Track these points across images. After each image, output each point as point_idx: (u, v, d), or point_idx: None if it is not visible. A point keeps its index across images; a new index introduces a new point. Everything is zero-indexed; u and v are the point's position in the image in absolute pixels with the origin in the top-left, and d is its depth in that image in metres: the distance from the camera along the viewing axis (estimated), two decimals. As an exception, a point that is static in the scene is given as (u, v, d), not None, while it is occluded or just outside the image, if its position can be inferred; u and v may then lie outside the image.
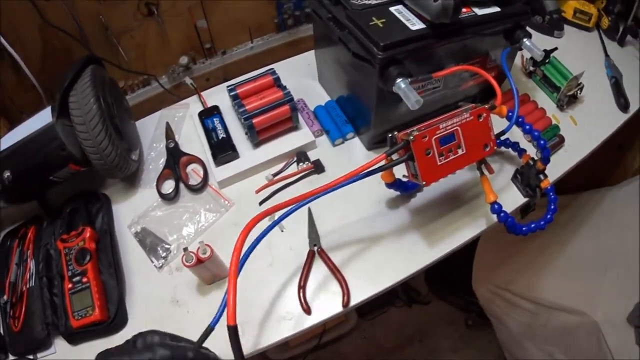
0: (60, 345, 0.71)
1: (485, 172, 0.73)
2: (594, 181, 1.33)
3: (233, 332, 0.43)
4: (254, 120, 0.82)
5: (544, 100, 0.96)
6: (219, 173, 0.84)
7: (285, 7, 1.23)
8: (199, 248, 0.66)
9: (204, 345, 0.52)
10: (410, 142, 0.61)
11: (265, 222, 0.56)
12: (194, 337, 0.63)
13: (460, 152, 0.66)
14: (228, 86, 0.88)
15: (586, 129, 0.92)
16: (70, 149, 0.74)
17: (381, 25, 0.71)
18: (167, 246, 0.79)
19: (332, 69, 0.91)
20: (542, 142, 0.79)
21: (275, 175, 0.85)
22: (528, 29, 0.80)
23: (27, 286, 0.75)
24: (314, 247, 0.75)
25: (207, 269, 0.69)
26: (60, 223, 0.80)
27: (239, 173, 0.84)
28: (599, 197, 1.24)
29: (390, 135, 0.64)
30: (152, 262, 0.78)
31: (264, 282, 0.73)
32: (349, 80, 0.85)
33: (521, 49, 0.81)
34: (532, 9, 0.84)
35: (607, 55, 1.04)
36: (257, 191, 0.84)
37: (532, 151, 0.84)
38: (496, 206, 0.72)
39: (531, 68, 0.99)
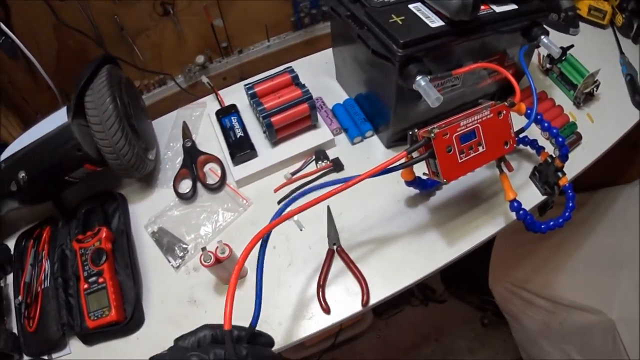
0: (75, 345, 0.71)
1: (505, 169, 0.73)
2: (609, 179, 1.32)
3: (229, 336, 0.43)
4: (273, 119, 0.82)
5: (560, 97, 0.96)
6: (237, 172, 0.84)
7: (302, 6, 1.23)
8: (217, 248, 0.65)
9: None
10: (431, 139, 0.60)
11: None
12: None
13: (480, 149, 0.65)
14: (246, 84, 0.87)
15: (603, 126, 0.92)
16: (86, 149, 0.74)
17: (400, 23, 0.71)
18: (184, 246, 0.78)
19: (350, 67, 0.90)
20: (560, 139, 0.78)
21: (293, 174, 0.85)
22: (545, 26, 0.79)
23: (42, 287, 0.75)
24: (333, 246, 0.75)
25: (225, 269, 0.68)
26: (75, 223, 0.80)
27: (257, 172, 0.84)
28: (614, 195, 1.23)
29: (410, 132, 0.64)
30: (169, 262, 0.77)
31: (282, 282, 0.73)
32: (368, 78, 0.85)
33: (538, 46, 0.80)
34: (548, 7, 0.84)
35: (621, 52, 1.03)
36: (276, 190, 0.83)
37: (549, 149, 0.83)
38: (515, 204, 0.71)
39: (548, 65, 0.98)
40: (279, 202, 0.81)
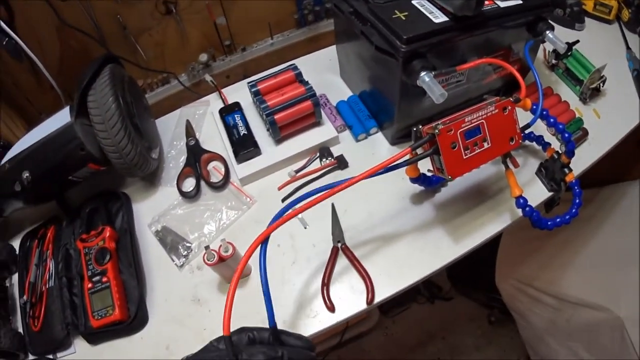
0: (79, 345, 0.71)
1: (511, 165, 0.72)
2: (616, 175, 1.31)
3: (229, 342, 0.42)
4: (276, 116, 0.81)
5: (566, 93, 0.95)
6: (240, 170, 0.84)
7: (305, 3, 1.22)
8: (220, 246, 0.65)
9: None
10: (435, 135, 0.60)
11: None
12: (216, 336, 0.64)
13: (485, 145, 0.64)
14: (249, 82, 0.87)
15: (609, 122, 0.91)
16: (89, 148, 0.74)
17: (404, 19, 0.70)
18: (188, 245, 0.78)
19: (354, 64, 0.90)
20: (566, 135, 0.77)
21: (297, 171, 0.84)
22: (550, 21, 0.79)
23: (47, 286, 0.76)
24: (337, 244, 0.75)
25: (229, 267, 0.68)
26: (79, 223, 0.80)
27: (261, 170, 0.84)
28: (621, 192, 1.23)
29: (414, 129, 0.63)
30: (173, 260, 0.77)
31: (287, 280, 0.73)
32: (372, 74, 0.84)
33: (544, 42, 0.80)
34: (553, 2, 0.83)
35: (628, 47, 1.02)
36: (280, 188, 0.83)
37: (556, 145, 0.82)
38: (521, 200, 0.70)
39: (554, 61, 0.97)
40: (283, 200, 0.81)
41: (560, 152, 0.78)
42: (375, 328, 1.76)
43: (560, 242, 1.23)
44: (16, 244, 0.82)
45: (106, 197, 0.83)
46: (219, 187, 0.84)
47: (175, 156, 0.90)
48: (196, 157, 0.87)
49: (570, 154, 0.77)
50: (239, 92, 0.95)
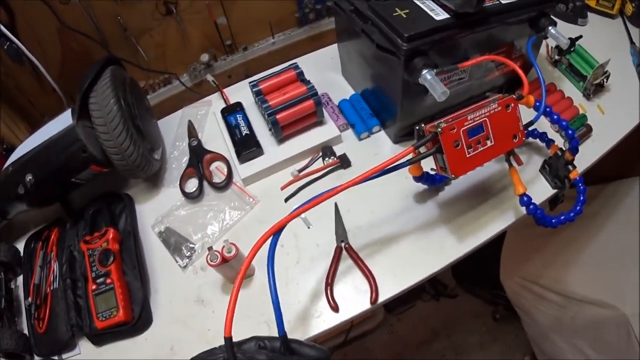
0: (84, 346, 0.71)
1: (514, 163, 0.72)
2: (621, 171, 1.30)
3: (229, 344, 0.42)
4: (278, 116, 0.81)
5: (570, 89, 0.94)
6: (243, 170, 0.83)
7: (306, 1, 1.22)
8: (223, 247, 0.65)
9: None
10: (438, 134, 0.60)
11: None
12: (220, 337, 0.63)
13: (489, 143, 0.64)
14: (250, 82, 0.87)
15: (614, 117, 0.90)
16: (91, 150, 0.74)
17: (405, 16, 0.70)
18: (191, 245, 0.78)
19: (355, 62, 0.90)
20: (570, 131, 0.77)
21: (300, 171, 0.84)
22: (552, 17, 0.78)
23: (51, 288, 0.76)
24: (341, 244, 0.74)
25: (232, 268, 0.68)
26: (83, 225, 0.80)
27: (264, 170, 0.84)
28: (626, 188, 1.22)
29: (417, 127, 0.63)
30: (177, 261, 0.77)
31: (290, 280, 0.73)
32: (374, 73, 0.84)
33: (546, 38, 0.79)
34: (556, -3, 0.83)
35: (632, 42, 1.01)
36: (283, 188, 0.83)
37: (559, 141, 0.82)
38: (525, 198, 0.70)
39: (556, 57, 0.97)
40: (286, 200, 0.81)
41: (564, 149, 0.77)
42: (380, 326, 1.76)
43: (564, 239, 1.22)
44: (20, 246, 0.82)
45: (109, 199, 0.83)
46: (221, 187, 0.84)
47: (177, 157, 0.90)
48: (199, 157, 0.87)
49: (574, 150, 0.76)
50: (240, 92, 0.95)
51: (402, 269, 0.72)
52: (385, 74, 0.79)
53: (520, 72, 0.72)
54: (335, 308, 0.69)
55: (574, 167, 0.76)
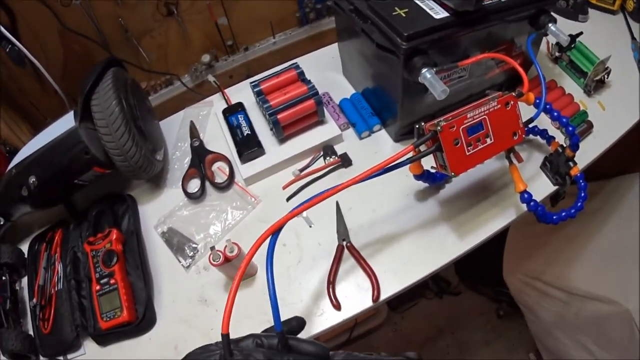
0: (89, 346, 0.72)
1: (514, 160, 0.72)
2: (622, 167, 1.29)
3: (226, 341, 0.42)
4: (279, 116, 0.82)
5: (570, 86, 0.94)
6: (245, 170, 0.84)
7: (307, 1, 1.22)
8: (226, 246, 0.66)
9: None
10: (437, 132, 0.60)
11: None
12: None
13: (488, 141, 0.64)
14: (251, 82, 0.88)
15: (615, 114, 0.90)
16: (94, 152, 0.75)
17: (404, 15, 0.70)
18: (194, 245, 0.79)
19: (356, 62, 0.90)
20: (570, 128, 0.77)
21: (302, 170, 0.85)
22: (552, 14, 0.78)
23: (56, 289, 0.77)
24: (342, 242, 0.75)
25: (234, 267, 0.68)
26: (86, 226, 0.81)
27: (265, 169, 0.84)
28: (627, 184, 1.22)
29: (417, 126, 0.63)
30: (180, 261, 0.78)
31: (293, 279, 0.73)
32: (374, 72, 0.84)
33: (546, 35, 0.79)
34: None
35: (633, 38, 1.01)
36: (284, 187, 0.83)
37: (560, 138, 0.82)
38: (526, 195, 0.70)
39: (557, 54, 0.96)
40: (287, 199, 0.81)
41: (564, 145, 0.77)
42: (384, 324, 1.76)
43: (567, 235, 1.22)
44: (24, 247, 0.83)
45: (112, 200, 0.83)
46: (223, 187, 0.84)
47: (179, 157, 0.91)
48: (200, 158, 0.87)
49: (574, 147, 0.76)
50: (242, 92, 0.96)
51: (403, 267, 0.72)
52: (386, 73, 0.79)
53: (520, 69, 0.72)
54: (337, 306, 0.69)
55: (575, 163, 0.76)
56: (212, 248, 0.65)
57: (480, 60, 0.75)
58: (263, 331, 0.49)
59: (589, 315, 1.11)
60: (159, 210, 0.84)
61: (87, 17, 0.97)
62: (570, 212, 0.74)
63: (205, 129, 0.94)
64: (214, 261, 0.64)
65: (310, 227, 0.78)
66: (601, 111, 0.90)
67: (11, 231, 0.85)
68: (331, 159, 0.85)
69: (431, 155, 0.63)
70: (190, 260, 0.77)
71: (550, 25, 0.77)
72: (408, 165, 0.65)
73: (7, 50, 0.87)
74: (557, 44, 0.95)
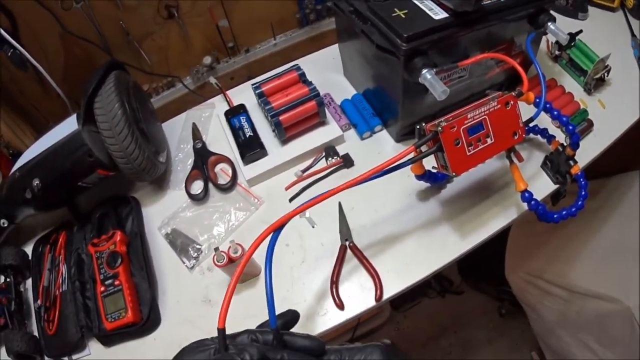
0: (94, 347, 0.73)
1: (515, 160, 0.72)
2: (622, 165, 1.29)
3: (222, 335, 0.43)
4: (281, 117, 0.82)
5: (571, 84, 0.94)
6: (247, 171, 0.84)
7: (307, 2, 1.23)
8: (230, 247, 0.66)
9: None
10: (438, 133, 0.60)
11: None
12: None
13: (489, 141, 0.64)
14: (253, 84, 0.88)
15: (615, 112, 0.90)
16: (97, 154, 0.75)
17: (404, 16, 0.70)
18: (198, 246, 0.79)
19: (356, 63, 0.90)
20: (570, 127, 0.77)
21: (304, 171, 0.85)
22: (552, 12, 0.78)
23: (60, 290, 0.77)
24: (345, 242, 0.75)
25: (238, 268, 0.69)
26: (90, 228, 0.82)
27: (268, 170, 0.84)
28: (628, 182, 1.22)
29: (418, 126, 0.63)
30: (184, 262, 0.78)
31: (296, 279, 0.73)
32: (374, 72, 0.85)
33: (546, 34, 0.79)
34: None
35: (633, 35, 1.01)
36: (287, 188, 0.83)
37: (560, 137, 0.82)
38: (527, 194, 0.70)
39: (557, 52, 0.96)
40: (290, 200, 0.82)
41: (565, 144, 0.78)
42: (387, 323, 1.76)
43: (568, 234, 1.22)
44: (28, 249, 0.83)
45: (116, 202, 0.84)
46: (226, 188, 0.85)
47: (182, 159, 0.91)
48: (203, 159, 0.88)
49: (575, 146, 0.77)
50: (244, 94, 0.96)
51: (405, 267, 0.73)
52: (386, 74, 0.79)
53: (520, 68, 0.72)
54: (340, 306, 0.70)
55: (575, 162, 0.76)
56: (216, 249, 0.66)
57: (480, 60, 0.75)
58: (258, 326, 0.49)
59: (591, 313, 1.11)
60: (163, 212, 0.85)
61: (88, 20, 0.97)
62: (571, 210, 0.74)
63: (207, 131, 0.94)
64: (218, 262, 0.65)
65: (313, 227, 0.77)
66: (601, 109, 0.90)
67: (15, 233, 0.85)
68: (333, 160, 0.85)
69: (432, 155, 0.64)
70: (194, 261, 0.78)
71: (549, 24, 0.77)
72: (409, 166, 0.66)
73: (9, 54, 0.88)
74: (557, 42, 0.95)
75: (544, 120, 0.84)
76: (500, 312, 1.77)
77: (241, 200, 0.84)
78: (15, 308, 0.75)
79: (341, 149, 0.87)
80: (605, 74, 0.91)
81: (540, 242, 1.28)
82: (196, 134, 0.92)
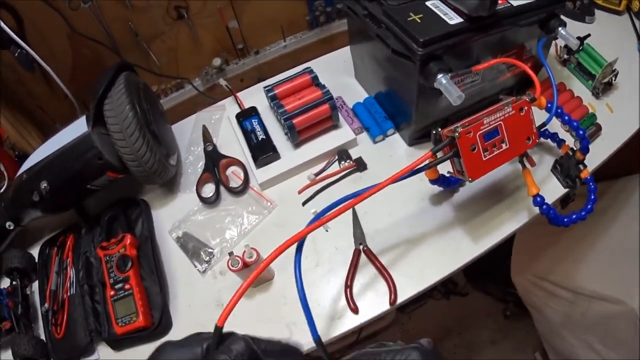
0: (103, 351, 0.72)
1: (527, 164, 0.72)
2: (629, 167, 1.30)
3: (218, 333, 0.43)
4: (294, 121, 0.82)
5: (579, 88, 0.95)
6: (260, 175, 0.84)
7: (317, 4, 1.22)
8: (244, 252, 0.66)
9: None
10: (455, 138, 0.60)
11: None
12: None
13: (504, 146, 0.65)
14: (265, 87, 0.87)
15: (622, 115, 0.90)
16: (107, 157, 0.74)
17: (419, 21, 0.70)
18: (210, 250, 0.79)
19: (368, 65, 0.90)
20: (581, 132, 0.78)
21: (317, 174, 0.85)
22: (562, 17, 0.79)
23: (68, 294, 0.76)
24: (359, 246, 0.75)
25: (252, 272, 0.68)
26: (99, 230, 0.81)
27: (281, 174, 0.84)
28: (634, 184, 1.22)
29: (434, 131, 0.64)
30: (195, 266, 0.78)
31: (310, 283, 0.73)
32: (387, 76, 0.85)
33: (556, 38, 0.80)
34: (564, -3, 0.83)
35: (639, 38, 1.01)
36: (300, 191, 0.83)
37: (570, 141, 0.82)
38: (539, 199, 0.71)
39: (565, 56, 0.97)
40: (303, 204, 0.81)
41: (574, 148, 0.78)
42: (392, 325, 1.76)
43: (574, 235, 1.23)
44: (34, 251, 0.82)
45: (125, 205, 0.83)
46: (238, 192, 0.84)
47: (192, 162, 0.91)
48: (214, 162, 0.87)
49: (585, 150, 0.77)
50: (254, 96, 0.95)
51: (419, 270, 0.73)
52: (400, 78, 0.79)
53: (532, 74, 0.73)
54: (355, 310, 0.70)
55: (585, 166, 0.76)
56: (231, 253, 0.66)
57: (492, 65, 0.76)
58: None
59: (596, 315, 1.12)
60: (173, 215, 0.84)
61: (96, 20, 0.97)
62: (580, 214, 0.75)
63: (218, 133, 0.94)
64: (232, 267, 0.65)
65: (327, 231, 0.78)
66: (609, 113, 0.91)
67: (21, 235, 0.84)
68: (346, 163, 0.85)
69: (447, 160, 0.64)
70: (206, 265, 0.77)
71: (560, 29, 0.77)
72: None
73: (16, 54, 0.86)
74: (566, 46, 0.95)
75: (554, 125, 0.85)
76: (505, 314, 1.77)
77: (254, 203, 0.83)
78: (22, 311, 0.74)
79: (354, 153, 0.87)
80: (613, 78, 0.92)
81: (546, 243, 1.28)
82: (207, 137, 0.91)
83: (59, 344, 0.72)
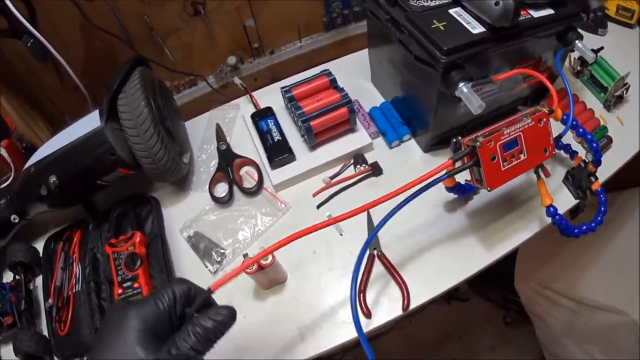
0: (107, 349, 0.71)
1: (542, 175, 0.73)
2: (636, 179, 1.31)
3: (205, 293, 0.49)
4: (312, 123, 0.81)
5: (590, 100, 0.96)
6: (275, 176, 0.83)
7: (334, 6, 1.22)
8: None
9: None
10: (476, 148, 0.61)
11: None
12: (252, 344, 0.66)
13: (522, 157, 0.65)
14: (282, 87, 0.87)
15: (633, 129, 0.91)
16: (120, 153, 0.73)
17: (443, 29, 0.70)
18: (222, 251, 0.78)
19: (386, 70, 0.90)
20: (594, 145, 0.79)
21: (332, 178, 0.84)
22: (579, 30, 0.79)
23: (73, 291, 0.75)
24: (373, 251, 0.75)
25: (266, 275, 0.68)
26: (107, 227, 0.79)
27: (296, 176, 0.83)
28: (637, 197, 1.24)
29: (454, 140, 0.64)
30: (206, 267, 0.77)
31: (324, 287, 0.73)
32: (406, 81, 0.85)
33: (572, 51, 0.80)
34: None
35: (650, 52, 1.03)
36: (315, 194, 0.83)
37: (582, 152, 0.83)
38: (552, 209, 0.71)
39: (579, 68, 0.98)
40: (318, 207, 0.81)
41: (586, 160, 0.79)
42: (393, 328, 1.76)
43: (578, 245, 1.24)
44: (39, 245, 0.81)
45: (135, 201, 0.82)
46: (252, 192, 0.83)
47: (205, 160, 0.90)
48: (228, 161, 0.86)
49: (597, 163, 0.78)
50: (269, 96, 0.94)
51: (432, 277, 0.73)
52: (419, 84, 0.79)
53: (550, 86, 0.73)
54: (368, 314, 0.70)
55: (597, 178, 0.77)
56: (245, 255, 0.65)
57: (511, 75, 0.76)
58: None
59: (598, 325, 1.13)
60: (184, 214, 0.83)
61: (111, 13, 0.95)
62: (590, 225, 0.76)
63: (232, 132, 0.93)
64: (247, 269, 0.64)
65: (341, 235, 0.78)
66: (620, 126, 0.92)
67: (25, 228, 0.83)
68: (362, 168, 0.85)
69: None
70: (218, 265, 0.76)
71: (577, 41, 0.78)
72: (441, 177, 0.66)
73: (29, 44, 0.85)
74: (580, 58, 0.96)
75: (567, 136, 0.85)
76: (506, 321, 1.78)
77: (267, 205, 0.82)
78: (25, 307, 0.73)
79: (369, 157, 0.87)
80: (625, 92, 0.93)
81: (550, 252, 1.29)
82: (220, 135, 0.90)
83: (63, 340, 0.71)
